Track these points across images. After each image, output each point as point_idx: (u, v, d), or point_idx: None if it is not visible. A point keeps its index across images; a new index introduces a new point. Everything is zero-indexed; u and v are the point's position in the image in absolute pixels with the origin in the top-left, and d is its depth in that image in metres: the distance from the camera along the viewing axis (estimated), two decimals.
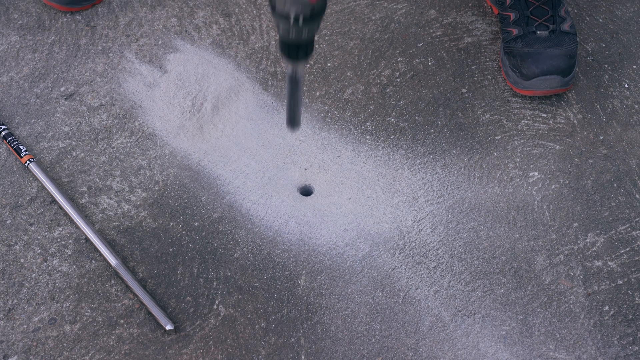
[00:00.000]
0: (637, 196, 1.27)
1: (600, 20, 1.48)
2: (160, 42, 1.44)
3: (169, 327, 1.13)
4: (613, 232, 1.24)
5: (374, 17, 1.48)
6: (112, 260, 1.18)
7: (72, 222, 1.23)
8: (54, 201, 1.25)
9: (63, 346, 1.13)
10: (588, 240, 1.23)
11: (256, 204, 1.26)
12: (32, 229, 1.23)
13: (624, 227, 1.24)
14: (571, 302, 1.17)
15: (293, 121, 1.17)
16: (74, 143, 1.32)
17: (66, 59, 1.42)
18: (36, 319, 1.15)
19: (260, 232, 1.23)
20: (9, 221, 1.24)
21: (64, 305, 1.16)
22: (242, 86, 1.39)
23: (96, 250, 1.20)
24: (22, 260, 1.20)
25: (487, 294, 1.18)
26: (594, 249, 1.22)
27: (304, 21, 0.99)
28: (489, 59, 1.42)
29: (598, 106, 1.37)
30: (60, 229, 1.23)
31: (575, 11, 1.49)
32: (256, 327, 1.15)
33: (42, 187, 1.26)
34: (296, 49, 1.04)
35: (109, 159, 1.30)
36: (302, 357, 1.12)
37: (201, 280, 1.19)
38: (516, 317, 1.16)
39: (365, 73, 1.40)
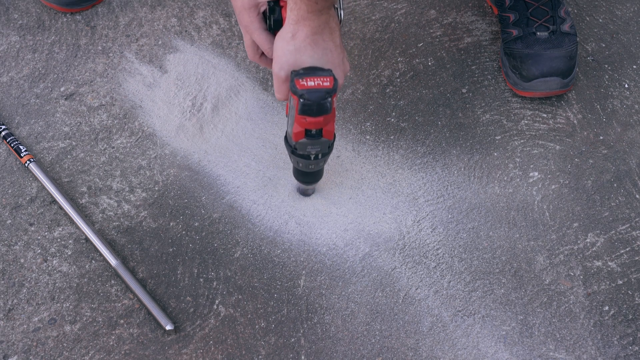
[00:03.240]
0: (637, 196, 1.27)
1: (600, 20, 1.48)
2: (160, 42, 1.44)
3: (169, 327, 1.13)
4: (613, 232, 1.24)
5: (374, 17, 1.48)
6: (112, 260, 1.18)
7: (72, 222, 1.23)
8: (54, 201, 1.25)
9: (63, 346, 1.13)
10: (588, 240, 1.23)
11: (256, 204, 1.26)
12: (32, 229, 1.23)
13: (624, 227, 1.24)
14: (571, 302, 1.17)
15: (306, 195, 1.29)
16: (74, 143, 1.32)
17: (66, 59, 1.42)
18: (36, 319, 1.15)
19: (260, 232, 1.23)
20: (9, 221, 1.24)
21: (64, 305, 1.16)
22: (242, 86, 1.39)
23: (96, 250, 1.20)
24: (22, 260, 1.20)
25: (487, 294, 1.18)
26: (594, 249, 1.22)
27: (322, 156, 1.10)
28: (489, 59, 1.42)
29: (598, 106, 1.37)
30: (60, 229, 1.23)
31: (575, 11, 1.49)
32: (256, 327, 1.15)
33: (42, 187, 1.26)
34: (310, 177, 1.18)
35: (109, 159, 1.30)
36: (302, 357, 1.12)
37: (201, 280, 1.19)
38: (516, 317, 1.16)
39: (365, 73, 1.41)
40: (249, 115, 1.35)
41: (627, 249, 1.22)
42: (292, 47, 1.02)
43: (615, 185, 1.28)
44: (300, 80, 1.00)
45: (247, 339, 1.14)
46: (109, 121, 1.35)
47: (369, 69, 1.41)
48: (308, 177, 1.18)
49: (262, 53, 1.13)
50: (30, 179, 1.28)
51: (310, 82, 1.00)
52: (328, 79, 1.00)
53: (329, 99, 1.01)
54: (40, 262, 1.20)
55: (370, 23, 1.47)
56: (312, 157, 1.09)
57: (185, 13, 1.48)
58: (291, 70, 1.03)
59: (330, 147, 1.10)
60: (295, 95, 1.01)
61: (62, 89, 1.38)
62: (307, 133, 1.05)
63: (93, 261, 1.20)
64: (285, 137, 1.11)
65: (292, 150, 1.09)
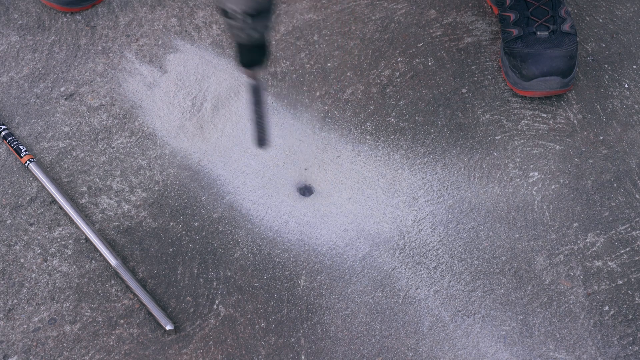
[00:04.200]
0: (637, 196, 1.27)
1: (600, 20, 1.48)
2: (160, 42, 1.44)
3: (169, 327, 1.13)
4: (613, 232, 1.24)
5: (374, 17, 1.48)
6: (112, 260, 1.18)
7: (72, 222, 1.23)
8: (54, 201, 1.25)
9: (63, 346, 1.13)
10: (588, 240, 1.23)
11: (256, 204, 1.26)
12: (32, 229, 1.23)
13: (624, 227, 1.24)
14: (571, 302, 1.17)
15: (263, 140, 1.13)
16: (74, 143, 1.32)
17: (66, 59, 1.42)
18: (36, 319, 1.15)
19: (260, 232, 1.23)
20: (9, 221, 1.24)
21: (64, 305, 1.16)
22: (242, 86, 1.39)
23: (96, 250, 1.20)
24: (22, 260, 1.20)
25: (487, 294, 1.18)
26: (594, 249, 1.22)
27: (252, 18, 0.98)
28: (489, 59, 1.42)
29: (598, 106, 1.37)
30: (60, 229, 1.23)
31: (575, 11, 1.49)
32: (256, 327, 1.15)
33: (42, 187, 1.26)
34: (251, 52, 1.03)
35: (109, 159, 1.30)
36: (302, 357, 1.12)
37: (201, 280, 1.19)
38: (516, 317, 1.16)
39: (365, 73, 1.41)
40: (249, 115, 1.35)
41: (627, 249, 1.22)
42: None
43: (615, 185, 1.28)
44: None
45: (247, 339, 1.14)
46: (109, 121, 1.35)
47: (369, 69, 1.41)
48: (244, 53, 1.03)
49: None
50: (30, 179, 1.28)
51: None
52: None
53: None
54: (40, 262, 1.20)
55: (370, 23, 1.47)
56: (240, 16, 0.98)
57: (185, 13, 1.48)
58: None
59: (259, 9, 0.98)
60: None
61: (62, 89, 1.38)
62: None
63: (93, 261, 1.20)
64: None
65: (223, 10, 0.99)
